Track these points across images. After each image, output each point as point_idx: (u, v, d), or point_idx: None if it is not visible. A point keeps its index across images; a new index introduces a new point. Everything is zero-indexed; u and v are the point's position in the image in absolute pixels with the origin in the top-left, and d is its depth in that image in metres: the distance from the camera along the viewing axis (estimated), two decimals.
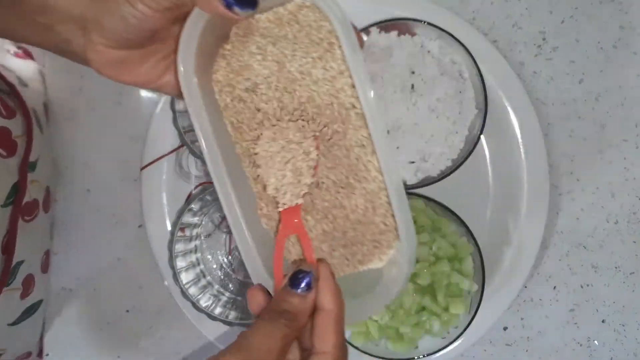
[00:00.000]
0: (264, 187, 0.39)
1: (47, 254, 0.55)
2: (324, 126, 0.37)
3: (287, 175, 0.38)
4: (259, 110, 0.38)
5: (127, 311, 0.59)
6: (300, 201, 0.38)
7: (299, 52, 0.36)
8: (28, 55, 0.57)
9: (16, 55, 0.56)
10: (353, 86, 0.36)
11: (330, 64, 0.36)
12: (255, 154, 0.38)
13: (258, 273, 0.37)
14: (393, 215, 0.37)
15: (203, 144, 0.36)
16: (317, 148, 0.37)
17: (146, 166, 0.57)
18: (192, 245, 0.57)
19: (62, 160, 0.58)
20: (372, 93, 0.35)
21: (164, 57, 0.36)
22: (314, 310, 0.34)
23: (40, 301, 0.53)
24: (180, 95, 0.36)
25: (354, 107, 0.37)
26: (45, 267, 0.54)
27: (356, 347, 0.52)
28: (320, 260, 0.36)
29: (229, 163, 0.37)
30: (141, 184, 0.57)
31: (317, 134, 0.38)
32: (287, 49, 0.36)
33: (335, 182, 0.38)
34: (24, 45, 0.57)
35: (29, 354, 0.55)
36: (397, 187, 0.36)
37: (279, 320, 0.32)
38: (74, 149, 0.58)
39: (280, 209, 0.38)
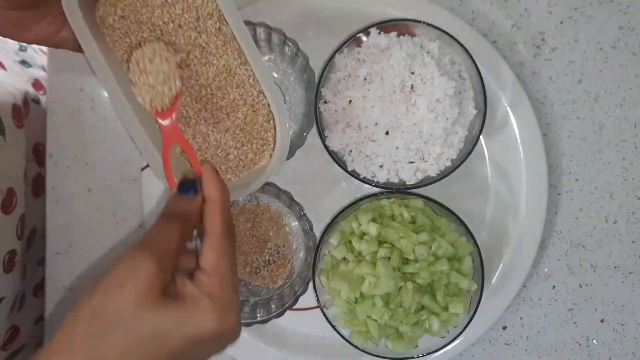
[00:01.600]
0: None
1: (12, 254, 0.54)
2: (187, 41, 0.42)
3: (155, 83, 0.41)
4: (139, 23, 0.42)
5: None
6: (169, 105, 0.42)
7: None
8: None
9: None
10: None
11: None
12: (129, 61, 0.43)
13: (148, 150, 0.43)
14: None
15: (93, 65, 0.40)
16: (181, 67, 0.42)
17: (147, 166, 0.57)
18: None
19: (62, 160, 0.58)
20: None
21: (59, 14, 0.39)
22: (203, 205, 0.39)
23: (2, 299, 0.53)
24: (79, 49, 0.40)
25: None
26: (9, 267, 0.54)
27: (356, 347, 0.52)
28: (204, 162, 0.40)
29: (116, 73, 0.42)
30: (141, 184, 0.57)
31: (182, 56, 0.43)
32: None
33: (208, 88, 0.44)
34: None
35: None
36: (265, 76, 0.42)
37: (173, 219, 0.37)
38: (74, 149, 0.58)
39: (156, 117, 0.42)
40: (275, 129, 0.45)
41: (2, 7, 0.37)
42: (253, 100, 0.44)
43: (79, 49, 0.41)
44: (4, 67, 0.60)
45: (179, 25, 0.42)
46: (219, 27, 0.42)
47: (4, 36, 0.40)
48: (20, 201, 0.56)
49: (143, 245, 0.34)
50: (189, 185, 0.39)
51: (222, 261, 0.36)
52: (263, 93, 0.44)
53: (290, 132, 0.56)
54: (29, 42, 0.41)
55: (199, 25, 0.42)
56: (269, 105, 0.44)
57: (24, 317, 0.61)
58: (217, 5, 0.41)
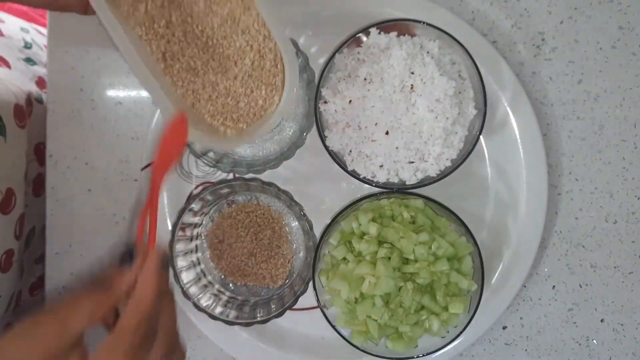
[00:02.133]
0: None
1: (9, 253, 0.55)
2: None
3: None
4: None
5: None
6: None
7: None
8: (3, 61, 0.57)
9: None
10: None
11: None
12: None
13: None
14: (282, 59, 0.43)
15: (103, 19, 0.39)
16: None
17: (147, 166, 0.57)
18: (192, 245, 0.57)
19: (62, 160, 0.58)
20: None
21: None
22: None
23: None
24: (83, 11, 0.40)
25: None
26: (5, 267, 0.54)
27: (356, 347, 0.52)
28: (152, 251, 0.38)
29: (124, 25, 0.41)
30: (142, 183, 0.57)
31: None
32: None
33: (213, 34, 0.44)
34: None
35: None
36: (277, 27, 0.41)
37: (97, 288, 0.37)
38: (74, 149, 0.58)
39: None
40: (283, 73, 0.44)
41: None
42: (259, 45, 0.44)
43: (83, 11, 0.41)
44: (8, 65, 0.60)
45: None
46: None
47: (11, 0, 0.40)
48: (19, 201, 0.56)
49: (50, 309, 0.35)
50: (130, 257, 0.38)
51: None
52: (269, 38, 0.43)
53: (290, 132, 0.56)
54: (35, 6, 0.41)
55: None
56: (275, 50, 0.43)
57: (20, 316, 0.61)
58: None
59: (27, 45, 0.69)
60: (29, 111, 0.59)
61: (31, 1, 0.41)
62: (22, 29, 0.72)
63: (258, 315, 0.54)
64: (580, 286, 0.59)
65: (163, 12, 0.43)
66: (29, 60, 0.68)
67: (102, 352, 0.35)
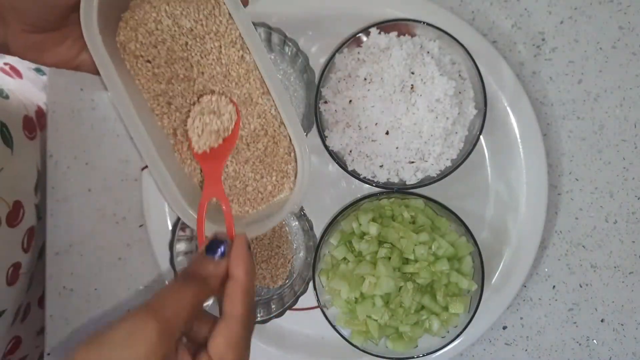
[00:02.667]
0: (174, 132, 0.44)
1: (16, 266, 0.54)
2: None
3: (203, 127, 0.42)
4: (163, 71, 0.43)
5: (128, 311, 0.59)
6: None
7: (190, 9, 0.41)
8: (14, 71, 0.57)
9: (1, 70, 0.57)
10: (241, 37, 0.41)
11: (219, 19, 0.41)
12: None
13: (178, 204, 0.42)
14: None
15: (110, 89, 0.40)
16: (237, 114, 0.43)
17: (147, 166, 0.57)
18: (193, 244, 0.57)
19: (62, 160, 0.58)
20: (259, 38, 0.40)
21: (79, 37, 0.39)
22: (227, 278, 0.36)
23: (3, 311, 0.53)
24: (96, 71, 0.40)
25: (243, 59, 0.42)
26: (12, 280, 0.54)
27: (356, 347, 0.52)
28: (239, 233, 0.38)
29: (134, 100, 0.41)
30: (142, 183, 0.57)
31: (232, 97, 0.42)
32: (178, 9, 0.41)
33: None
34: (10, 61, 0.58)
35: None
36: (289, 113, 0.41)
37: (191, 281, 0.34)
38: (74, 149, 0.58)
39: (199, 161, 0.42)
40: (295, 162, 0.43)
41: (24, 31, 0.37)
42: (274, 131, 0.43)
43: (97, 71, 0.40)
44: (19, 75, 0.60)
45: (201, 55, 0.42)
46: (242, 55, 0.41)
47: (24, 59, 0.40)
48: (28, 214, 0.55)
49: (148, 309, 0.31)
50: (217, 246, 0.37)
51: (232, 351, 0.33)
52: (284, 125, 0.42)
53: None
54: (49, 65, 0.41)
55: (221, 53, 0.41)
56: (290, 138, 0.43)
57: (27, 328, 0.61)
58: (239, 33, 0.41)
59: None
60: (41, 124, 0.59)
61: (44, 60, 0.40)
62: None
63: (258, 315, 0.54)
64: (581, 286, 0.59)
65: (179, 88, 0.43)
66: (39, 70, 0.68)
67: (220, 340, 0.33)
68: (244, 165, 0.44)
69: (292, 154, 0.43)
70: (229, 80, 0.42)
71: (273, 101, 0.42)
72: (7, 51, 0.39)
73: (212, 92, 0.43)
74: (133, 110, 0.40)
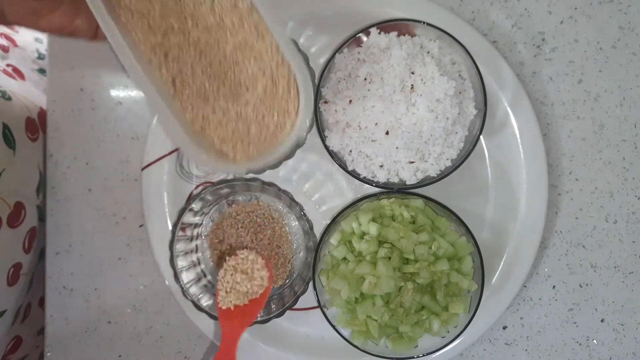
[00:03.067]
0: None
1: (17, 267, 0.54)
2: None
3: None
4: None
5: (128, 311, 0.59)
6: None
7: None
8: (17, 72, 0.57)
9: (4, 72, 0.56)
10: None
11: None
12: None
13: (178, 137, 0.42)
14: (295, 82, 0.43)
15: (110, 39, 0.40)
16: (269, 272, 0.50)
17: (147, 166, 0.57)
18: (192, 244, 0.57)
19: (62, 160, 0.58)
20: None
21: (72, 3, 0.40)
22: None
23: (4, 312, 0.53)
24: (92, 37, 0.41)
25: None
26: (13, 280, 0.54)
27: (356, 347, 0.52)
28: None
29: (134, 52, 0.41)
30: (142, 183, 0.57)
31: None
32: None
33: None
34: (13, 63, 0.58)
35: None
36: (288, 45, 0.41)
37: None
38: (74, 148, 0.58)
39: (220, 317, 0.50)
40: (296, 100, 0.44)
41: None
42: (272, 72, 0.44)
43: (92, 37, 0.41)
44: (22, 76, 0.60)
45: (194, 6, 0.42)
46: (235, 3, 0.42)
47: (20, 25, 0.41)
48: (29, 215, 0.55)
49: None
50: None
51: None
52: (282, 64, 0.43)
53: None
54: (44, 31, 0.42)
55: (214, 2, 0.42)
56: (288, 77, 0.43)
57: (27, 328, 0.61)
58: None
59: (41, 56, 0.70)
60: (43, 124, 0.59)
61: (40, 26, 0.41)
62: (36, 39, 0.72)
63: (258, 315, 0.54)
64: (581, 286, 0.59)
65: (175, 39, 0.43)
66: (42, 71, 0.68)
67: None
68: (245, 107, 0.44)
69: (292, 93, 0.44)
70: (222, 28, 0.43)
71: (269, 43, 0.43)
72: (3, 19, 0.40)
73: (249, 249, 0.48)
74: (134, 61, 0.41)
